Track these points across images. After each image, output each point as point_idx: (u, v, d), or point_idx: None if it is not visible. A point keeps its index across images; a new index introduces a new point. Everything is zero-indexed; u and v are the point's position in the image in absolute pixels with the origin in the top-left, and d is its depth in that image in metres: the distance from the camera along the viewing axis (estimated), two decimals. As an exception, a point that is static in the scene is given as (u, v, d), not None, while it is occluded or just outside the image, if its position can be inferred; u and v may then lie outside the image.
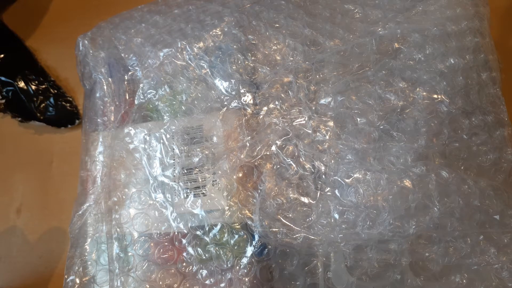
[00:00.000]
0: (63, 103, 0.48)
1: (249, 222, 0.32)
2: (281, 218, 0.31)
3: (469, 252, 0.29)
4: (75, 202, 0.37)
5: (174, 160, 0.35)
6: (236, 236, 0.33)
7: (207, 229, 0.33)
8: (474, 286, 0.29)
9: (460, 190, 0.30)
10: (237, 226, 0.33)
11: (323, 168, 0.32)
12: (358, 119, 0.33)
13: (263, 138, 0.34)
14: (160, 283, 0.33)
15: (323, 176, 0.32)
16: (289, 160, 0.33)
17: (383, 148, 0.31)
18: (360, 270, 0.30)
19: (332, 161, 0.32)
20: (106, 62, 0.40)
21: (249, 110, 0.35)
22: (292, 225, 0.31)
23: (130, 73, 0.39)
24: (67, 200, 0.44)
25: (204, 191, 0.34)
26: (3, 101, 0.48)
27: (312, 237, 0.30)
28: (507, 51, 0.42)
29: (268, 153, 0.33)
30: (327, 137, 0.33)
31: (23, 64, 0.49)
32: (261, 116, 0.35)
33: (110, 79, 0.40)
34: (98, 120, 0.39)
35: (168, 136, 0.36)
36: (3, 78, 0.48)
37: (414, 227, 0.29)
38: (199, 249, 0.33)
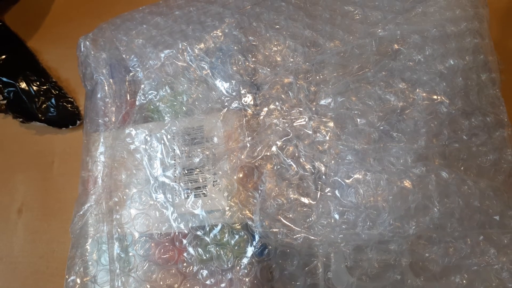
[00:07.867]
0: (65, 103, 0.48)
1: (250, 223, 0.32)
2: (282, 219, 0.32)
3: (469, 252, 0.29)
4: (76, 202, 0.38)
5: (175, 160, 0.35)
6: (237, 237, 0.33)
7: (207, 229, 0.33)
8: (474, 287, 0.29)
9: (460, 191, 0.30)
10: (238, 227, 0.33)
11: (323, 168, 0.32)
12: (358, 120, 0.33)
13: (263, 139, 0.34)
14: (161, 283, 0.33)
15: (323, 177, 0.32)
16: (290, 160, 0.33)
17: (383, 149, 0.31)
18: (360, 271, 0.30)
19: (332, 161, 0.32)
20: (108, 63, 0.40)
21: (249, 111, 0.35)
22: (292, 226, 0.31)
23: (131, 74, 0.39)
24: (68, 200, 0.44)
25: (204, 192, 0.34)
26: (5, 101, 0.48)
27: (313, 237, 0.30)
28: (506, 52, 0.42)
29: (268, 154, 0.34)
30: (327, 137, 0.33)
31: (25, 65, 0.49)
32: (262, 117, 0.35)
33: (111, 80, 0.40)
34: (99, 120, 0.39)
35: (169, 136, 0.36)
36: (4, 79, 0.49)
37: (414, 227, 0.29)
38: (199, 249, 0.33)
